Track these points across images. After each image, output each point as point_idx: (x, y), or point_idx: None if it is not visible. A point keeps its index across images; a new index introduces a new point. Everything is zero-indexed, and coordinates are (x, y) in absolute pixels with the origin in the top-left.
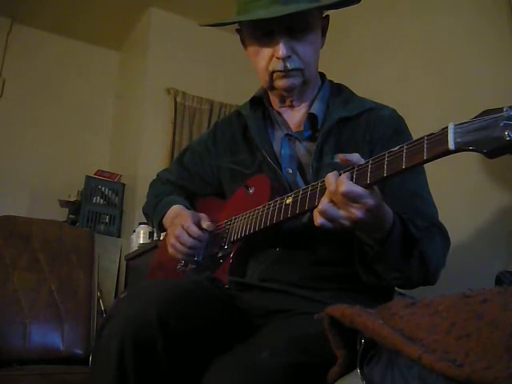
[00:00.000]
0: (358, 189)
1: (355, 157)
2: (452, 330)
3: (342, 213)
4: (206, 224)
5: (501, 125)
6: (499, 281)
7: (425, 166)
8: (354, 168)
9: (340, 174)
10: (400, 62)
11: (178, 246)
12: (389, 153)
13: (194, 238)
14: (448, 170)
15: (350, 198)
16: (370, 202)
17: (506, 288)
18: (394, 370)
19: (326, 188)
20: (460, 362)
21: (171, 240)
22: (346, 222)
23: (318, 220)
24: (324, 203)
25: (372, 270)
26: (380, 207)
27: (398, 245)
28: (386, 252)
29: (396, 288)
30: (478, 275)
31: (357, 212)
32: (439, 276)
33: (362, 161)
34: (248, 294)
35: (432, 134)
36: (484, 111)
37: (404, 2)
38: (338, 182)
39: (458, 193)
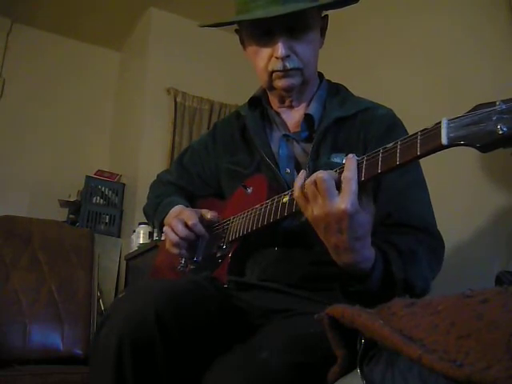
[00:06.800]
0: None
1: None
2: (452, 330)
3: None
4: (210, 214)
5: (494, 119)
6: (499, 281)
7: (425, 166)
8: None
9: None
10: (399, 62)
11: (172, 235)
12: (383, 149)
13: (187, 227)
14: (448, 170)
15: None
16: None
17: (506, 288)
18: (394, 370)
19: None
20: (460, 362)
21: (166, 229)
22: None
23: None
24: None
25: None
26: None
27: (380, 284)
28: (367, 289)
29: None
30: (478, 275)
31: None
32: (428, 291)
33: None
34: (247, 294)
35: (425, 129)
36: (477, 105)
37: (404, 2)
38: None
39: (458, 193)
